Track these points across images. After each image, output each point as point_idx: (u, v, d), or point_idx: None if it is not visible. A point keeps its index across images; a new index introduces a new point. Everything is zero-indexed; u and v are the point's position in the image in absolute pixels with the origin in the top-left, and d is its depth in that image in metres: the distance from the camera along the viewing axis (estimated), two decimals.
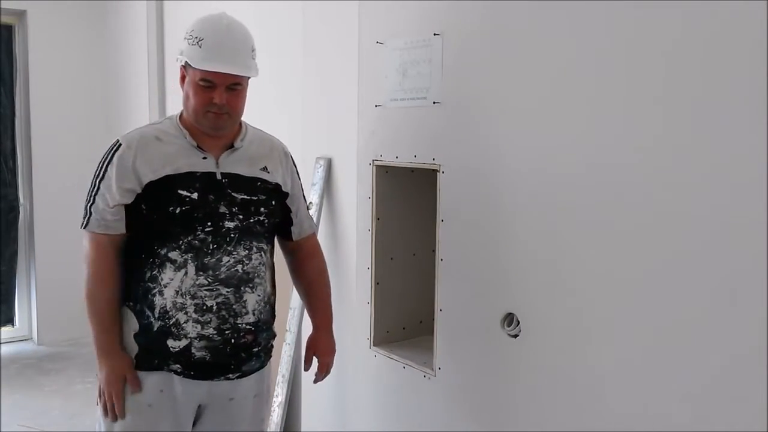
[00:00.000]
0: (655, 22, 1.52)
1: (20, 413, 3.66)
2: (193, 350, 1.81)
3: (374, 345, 2.37)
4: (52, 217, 4.61)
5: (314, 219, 2.13)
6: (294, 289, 2.75)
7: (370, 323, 2.37)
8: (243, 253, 1.85)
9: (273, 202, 1.92)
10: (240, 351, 1.86)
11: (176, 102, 4.65)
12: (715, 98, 1.44)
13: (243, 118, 1.96)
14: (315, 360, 2.12)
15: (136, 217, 1.82)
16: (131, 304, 1.84)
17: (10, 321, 4.79)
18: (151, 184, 1.80)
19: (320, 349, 2.11)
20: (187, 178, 1.82)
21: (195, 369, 1.82)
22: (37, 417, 3.63)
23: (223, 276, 1.82)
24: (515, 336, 1.86)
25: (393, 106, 2.21)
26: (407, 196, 2.38)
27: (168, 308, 1.80)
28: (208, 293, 1.80)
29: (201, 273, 1.80)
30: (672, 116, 1.51)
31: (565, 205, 1.72)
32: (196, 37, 1.81)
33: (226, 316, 1.82)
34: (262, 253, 1.90)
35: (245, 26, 1.90)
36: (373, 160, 2.30)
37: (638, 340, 1.59)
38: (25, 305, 4.83)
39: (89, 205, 1.84)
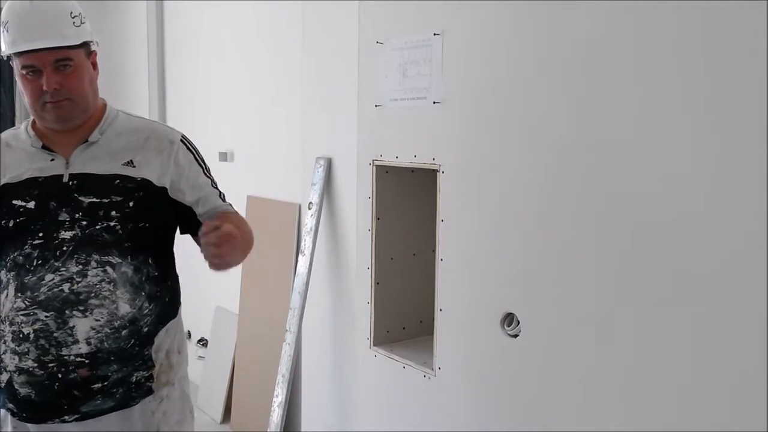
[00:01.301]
0: (658, 22, 1.52)
1: None
2: (16, 386, 1.55)
3: (374, 345, 2.37)
4: None
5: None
6: (294, 289, 2.76)
7: (370, 323, 2.37)
8: (74, 269, 1.54)
9: (131, 204, 1.60)
10: (71, 388, 1.54)
11: (176, 102, 4.68)
12: (714, 97, 1.44)
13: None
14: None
15: None
16: None
17: None
18: None
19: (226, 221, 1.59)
20: (26, 186, 1.59)
21: (25, 410, 1.57)
22: None
23: (42, 297, 1.53)
24: (515, 336, 1.86)
25: (393, 106, 2.21)
26: (407, 196, 2.38)
27: None
28: (24, 318, 1.53)
29: (20, 294, 1.54)
30: (679, 118, 1.51)
31: (566, 205, 1.72)
32: (3, 22, 1.57)
33: (47, 346, 1.52)
34: (108, 267, 1.56)
35: None
36: (373, 160, 2.30)
37: (639, 340, 1.58)
38: None
39: None
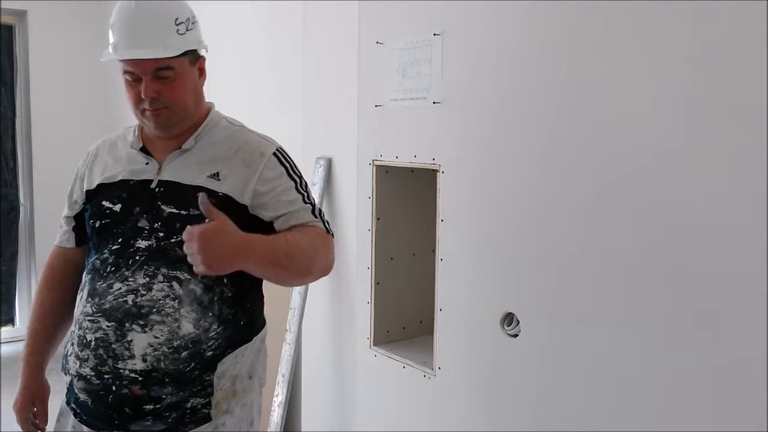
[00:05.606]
0: (659, 22, 1.52)
1: None
2: (76, 390, 1.52)
3: (374, 345, 2.37)
4: (52, 217, 4.53)
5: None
6: (294, 289, 2.76)
7: (370, 323, 2.37)
8: (141, 281, 1.47)
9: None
10: (123, 404, 1.46)
11: None
12: (714, 98, 1.44)
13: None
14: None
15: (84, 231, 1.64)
16: None
17: (10, 321, 4.79)
18: (89, 193, 1.61)
19: (220, 218, 1.35)
20: (117, 188, 1.56)
21: (82, 413, 1.54)
22: None
23: (107, 306, 1.47)
24: (515, 336, 1.86)
25: (393, 106, 2.21)
26: (407, 196, 2.38)
27: (69, 336, 1.58)
28: (90, 324, 1.49)
29: (90, 299, 1.50)
30: (686, 119, 1.51)
31: (566, 205, 1.72)
32: (111, 23, 1.53)
33: (104, 357, 1.46)
34: (175, 283, 1.47)
35: None
36: (373, 160, 2.30)
37: (639, 340, 1.58)
38: (25, 305, 4.82)
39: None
